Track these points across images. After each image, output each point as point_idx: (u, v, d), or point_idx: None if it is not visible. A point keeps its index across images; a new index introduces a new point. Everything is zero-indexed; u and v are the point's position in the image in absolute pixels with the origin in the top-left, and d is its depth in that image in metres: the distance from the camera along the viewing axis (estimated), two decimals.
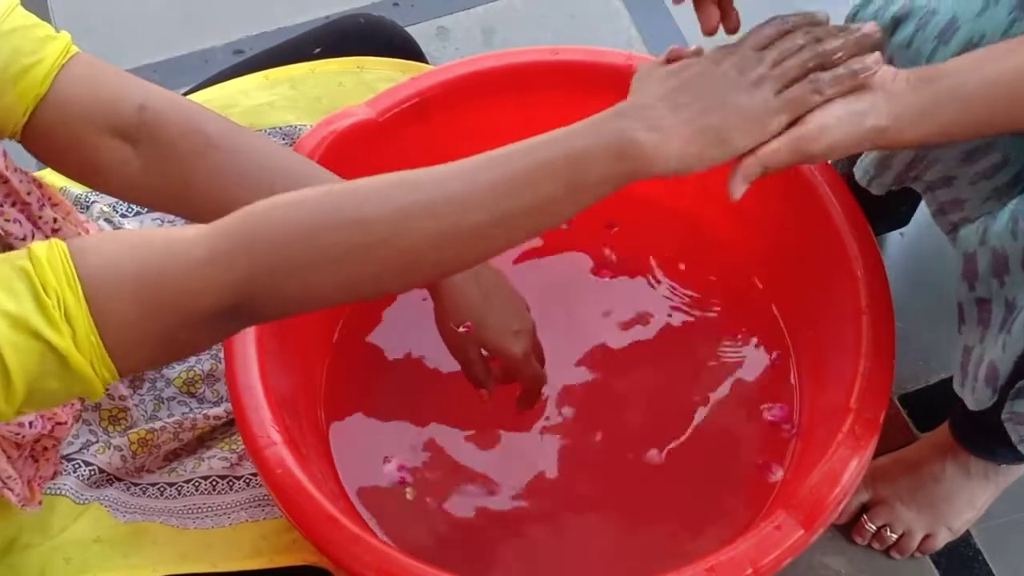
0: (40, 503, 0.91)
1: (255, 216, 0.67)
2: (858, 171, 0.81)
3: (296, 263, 0.66)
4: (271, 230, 0.66)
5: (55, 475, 0.91)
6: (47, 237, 0.88)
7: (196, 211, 0.90)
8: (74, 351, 0.63)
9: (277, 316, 0.74)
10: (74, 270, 0.63)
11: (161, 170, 0.85)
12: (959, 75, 0.74)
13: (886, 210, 1.05)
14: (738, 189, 0.72)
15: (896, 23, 0.90)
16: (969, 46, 0.83)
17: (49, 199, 0.90)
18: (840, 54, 0.73)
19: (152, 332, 0.65)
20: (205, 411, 0.99)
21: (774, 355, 1.11)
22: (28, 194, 0.86)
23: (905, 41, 0.89)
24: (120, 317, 0.64)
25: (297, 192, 0.69)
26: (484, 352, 0.97)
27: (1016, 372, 0.85)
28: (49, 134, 0.83)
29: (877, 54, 0.73)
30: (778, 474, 1.04)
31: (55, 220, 0.88)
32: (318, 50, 1.14)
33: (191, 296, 0.65)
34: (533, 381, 1.00)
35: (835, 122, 0.72)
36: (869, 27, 0.74)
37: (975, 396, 0.89)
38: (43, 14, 1.60)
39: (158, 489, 0.96)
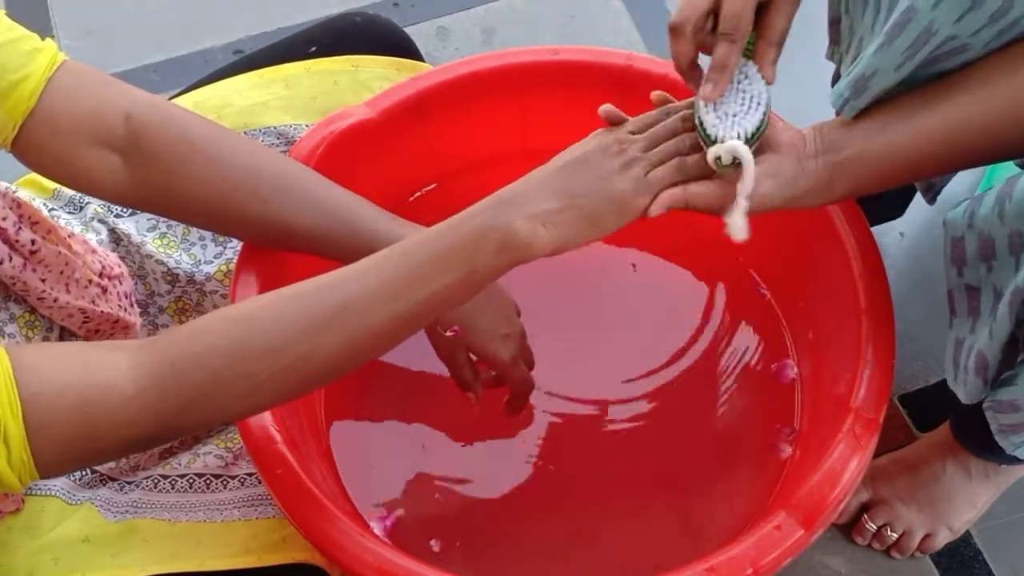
0: None
1: (180, 356, 0.71)
2: (832, 94, 0.83)
3: (222, 395, 0.72)
4: (196, 370, 0.71)
5: (17, 510, 0.92)
6: (24, 260, 0.89)
7: (183, 215, 0.92)
8: (6, 468, 0.67)
9: (202, 432, 0.86)
10: (17, 394, 0.67)
11: (147, 178, 0.87)
12: (860, 144, 0.80)
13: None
14: (657, 211, 0.78)
15: None
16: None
17: (29, 218, 0.91)
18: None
19: (80, 452, 0.70)
20: None
21: (774, 355, 1.11)
22: (3, 219, 0.87)
23: None
24: (53, 441, 0.68)
25: (215, 320, 0.73)
26: (472, 356, 0.97)
27: (1004, 360, 0.84)
28: (38, 146, 0.85)
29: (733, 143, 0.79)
30: (787, 451, 1.04)
31: (32, 242, 0.89)
32: (314, 48, 1.13)
33: (120, 429, 0.70)
34: (521, 386, 1.00)
35: (761, 189, 0.78)
36: None
37: (967, 389, 0.88)
38: (43, 15, 1.61)
39: (152, 481, 0.96)
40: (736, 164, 0.76)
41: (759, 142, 0.79)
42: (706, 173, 0.79)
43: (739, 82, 0.80)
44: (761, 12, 0.80)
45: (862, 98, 0.81)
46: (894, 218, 1.31)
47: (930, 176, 0.91)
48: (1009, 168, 0.88)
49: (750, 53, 0.81)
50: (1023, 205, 0.78)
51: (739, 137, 0.77)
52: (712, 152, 0.76)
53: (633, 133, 0.80)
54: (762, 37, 0.80)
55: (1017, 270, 0.80)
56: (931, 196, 0.97)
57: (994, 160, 0.82)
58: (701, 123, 0.78)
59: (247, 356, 0.71)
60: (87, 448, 0.70)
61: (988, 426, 0.92)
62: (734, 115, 0.78)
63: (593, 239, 0.77)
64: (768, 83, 0.80)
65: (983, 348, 0.84)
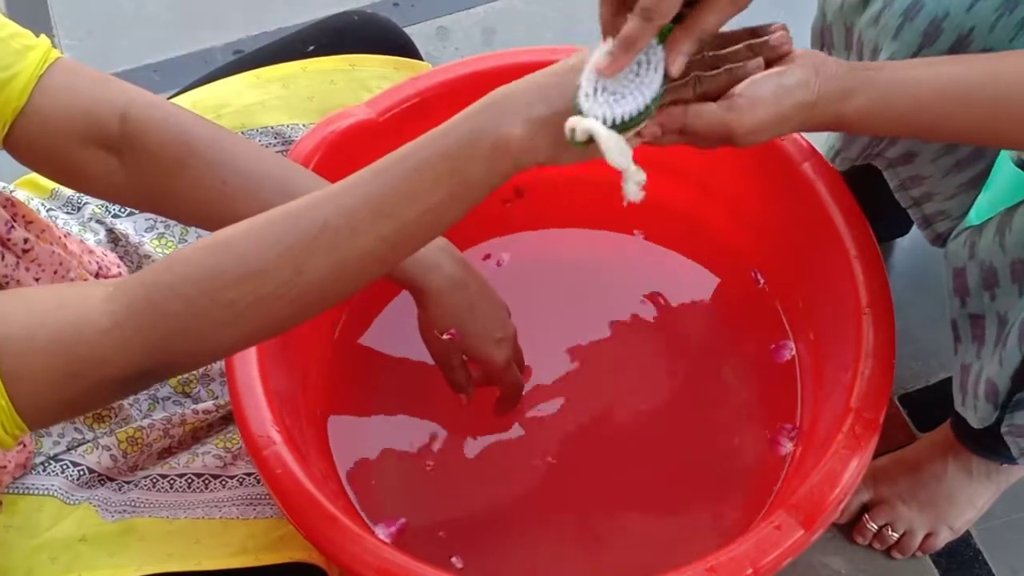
0: None
1: (154, 286, 0.67)
2: (823, 146, 0.82)
3: (203, 325, 0.67)
4: (171, 300, 0.67)
5: None
6: (17, 259, 0.88)
7: (182, 216, 0.91)
8: None
9: (196, 368, 0.77)
10: None
11: (145, 178, 0.86)
12: (890, 70, 0.75)
13: (885, 210, 1.05)
14: (649, 132, 0.72)
15: (866, 0, 0.91)
16: (934, 23, 0.83)
17: (23, 217, 0.90)
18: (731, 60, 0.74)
19: (62, 395, 0.67)
20: (194, 406, 0.99)
21: (774, 351, 1.11)
22: None
23: (872, 18, 0.89)
24: (31, 383, 0.65)
25: (190, 249, 0.69)
26: (465, 358, 0.98)
27: (1015, 387, 0.85)
28: (31, 144, 0.83)
29: (759, 60, 0.74)
30: (787, 447, 1.04)
31: (26, 241, 0.88)
32: (311, 48, 1.13)
33: (98, 366, 0.67)
34: (513, 387, 1.01)
35: (768, 97, 0.72)
36: (776, 37, 0.75)
37: (978, 415, 0.89)
38: (43, 15, 1.61)
39: (150, 480, 0.96)
40: (591, 143, 0.68)
41: (637, 128, 0.71)
42: (720, 89, 0.73)
43: (639, 63, 0.71)
44: (695, 3, 0.72)
45: (852, 148, 0.80)
46: (901, 235, 1.31)
47: (959, 131, 0.79)
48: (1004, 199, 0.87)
49: (664, 38, 0.72)
50: (1023, 235, 0.78)
51: (604, 120, 0.69)
52: (568, 123, 0.68)
53: None
54: (683, 25, 0.71)
55: (1020, 297, 0.80)
56: (941, 242, 0.97)
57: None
58: (577, 89, 0.70)
59: (223, 283, 0.67)
60: (70, 390, 0.67)
61: (989, 426, 0.92)
62: (613, 94, 0.70)
63: (590, 156, 0.70)
64: (671, 76, 0.72)
65: (993, 376, 0.85)
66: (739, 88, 0.73)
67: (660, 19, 0.69)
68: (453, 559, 1.01)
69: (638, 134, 0.72)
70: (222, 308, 0.67)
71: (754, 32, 0.75)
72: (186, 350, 0.69)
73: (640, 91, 0.71)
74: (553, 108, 0.68)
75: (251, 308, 0.67)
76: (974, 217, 0.89)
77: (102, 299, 0.67)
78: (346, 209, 0.68)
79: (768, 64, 0.74)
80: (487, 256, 1.16)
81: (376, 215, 0.68)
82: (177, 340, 0.68)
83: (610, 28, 0.73)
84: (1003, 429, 0.89)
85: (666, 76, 0.71)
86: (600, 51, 0.71)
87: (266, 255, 0.67)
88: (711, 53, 0.74)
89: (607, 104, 0.69)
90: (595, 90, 0.70)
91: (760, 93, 0.73)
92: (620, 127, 0.69)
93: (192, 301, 0.67)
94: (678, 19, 0.71)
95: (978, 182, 0.91)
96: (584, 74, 0.70)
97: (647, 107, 0.71)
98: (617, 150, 0.68)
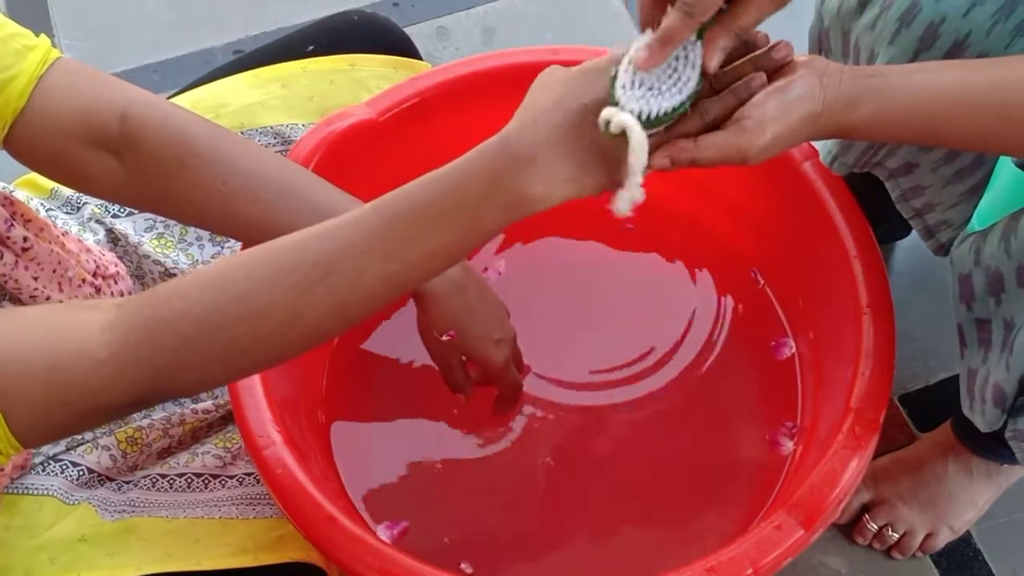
0: None
1: (153, 319, 0.67)
2: (822, 151, 0.81)
3: (199, 361, 0.68)
4: (169, 335, 0.67)
5: None
6: (16, 257, 0.88)
7: (182, 216, 0.91)
8: None
9: (191, 396, 0.79)
10: None
11: (145, 179, 0.86)
12: (895, 75, 0.74)
13: (885, 214, 1.05)
14: (659, 164, 0.71)
15: (863, 5, 0.90)
16: (931, 28, 0.83)
17: (22, 216, 0.90)
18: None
19: (56, 419, 0.67)
20: (193, 406, 0.99)
21: (774, 348, 1.11)
22: None
23: (869, 23, 0.89)
24: (25, 406, 0.65)
25: (191, 282, 0.69)
26: (463, 359, 0.98)
27: (1021, 391, 0.85)
28: (31, 145, 0.83)
29: (762, 75, 0.73)
30: (788, 446, 1.04)
31: (25, 239, 0.88)
32: (311, 48, 1.13)
33: (94, 394, 0.67)
34: (512, 387, 1.01)
35: (774, 114, 0.71)
36: (778, 48, 0.74)
37: (986, 419, 0.89)
38: (43, 15, 1.61)
39: (150, 480, 0.96)
40: (622, 137, 0.67)
41: (668, 124, 0.71)
42: (725, 114, 0.72)
43: (677, 59, 0.71)
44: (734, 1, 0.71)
45: (849, 154, 0.79)
46: (902, 237, 1.31)
47: (963, 137, 0.77)
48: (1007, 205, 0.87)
49: (703, 34, 0.71)
50: None
51: (640, 115, 0.68)
52: (604, 114, 0.67)
53: None
54: (721, 21, 0.71)
55: None
56: (944, 251, 0.97)
57: None
58: (614, 79, 0.69)
59: (222, 322, 0.67)
60: (65, 414, 0.67)
61: None
62: (650, 89, 0.69)
63: (607, 187, 0.70)
64: (708, 71, 0.71)
65: (1000, 381, 0.85)
66: (745, 110, 0.71)
67: (701, 14, 0.68)
68: (463, 564, 1.01)
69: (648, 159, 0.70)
70: (220, 345, 0.67)
71: (745, 44, 0.74)
72: (182, 382, 0.69)
73: (677, 87, 0.70)
74: (570, 166, 0.67)
75: (250, 346, 0.68)
76: (977, 222, 0.89)
77: (101, 328, 0.67)
78: (350, 250, 0.67)
79: (769, 75, 0.73)
80: (485, 269, 1.16)
81: (382, 258, 0.67)
82: (173, 372, 0.68)
83: (649, 20, 0.71)
84: (1007, 434, 0.89)
85: (703, 73, 0.71)
86: (638, 43, 0.70)
87: (267, 296, 0.67)
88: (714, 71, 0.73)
89: (644, 99, 0.68)
90: (632, 83, 0.69)
91: (767, 112, 0.71)
92: (654, 122, 0.69)
93: (190, 338, 0.67)
94: (716, 16, 0.70)
95: (978, 190, 0.91)
96: (622, 66, 0.69)
97: (682, 103, 0.70)
98: (640, 151, 0.67)
